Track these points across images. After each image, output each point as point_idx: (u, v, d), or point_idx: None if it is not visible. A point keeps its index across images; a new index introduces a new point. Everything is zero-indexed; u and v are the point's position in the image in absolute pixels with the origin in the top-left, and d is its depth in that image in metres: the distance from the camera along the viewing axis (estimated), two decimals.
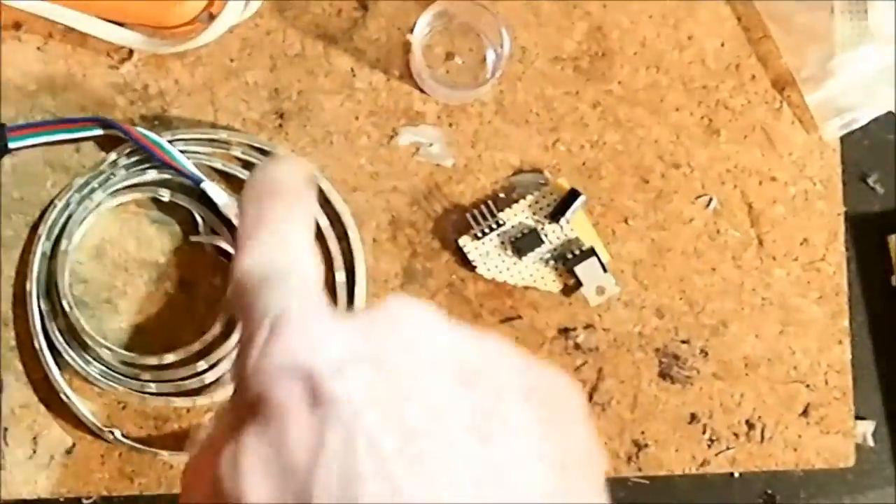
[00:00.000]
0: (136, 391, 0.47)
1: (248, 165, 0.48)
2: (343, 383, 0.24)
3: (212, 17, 0.47)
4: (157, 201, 0.49)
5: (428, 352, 0.25)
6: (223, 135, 0.49)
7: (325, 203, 0.48)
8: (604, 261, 0.48)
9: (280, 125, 0.49)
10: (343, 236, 0.48)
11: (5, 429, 0.47)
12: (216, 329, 0.48)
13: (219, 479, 0.24)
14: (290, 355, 0.25)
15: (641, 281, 0.50)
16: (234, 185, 0.48)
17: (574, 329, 0.49)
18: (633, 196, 0.50)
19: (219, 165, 0.49)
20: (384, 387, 0.24)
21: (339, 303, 0.48)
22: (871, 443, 0.50)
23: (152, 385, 0.47)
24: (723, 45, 0.51)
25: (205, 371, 0.48)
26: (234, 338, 0.47)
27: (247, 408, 0.25)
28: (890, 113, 0.50)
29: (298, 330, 0.25)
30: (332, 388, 0.24)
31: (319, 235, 0.48)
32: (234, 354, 0.47)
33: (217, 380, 0.48)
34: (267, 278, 0.27)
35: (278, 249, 0.28)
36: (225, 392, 0.47)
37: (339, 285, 0.48)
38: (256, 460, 0.23)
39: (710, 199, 0.50)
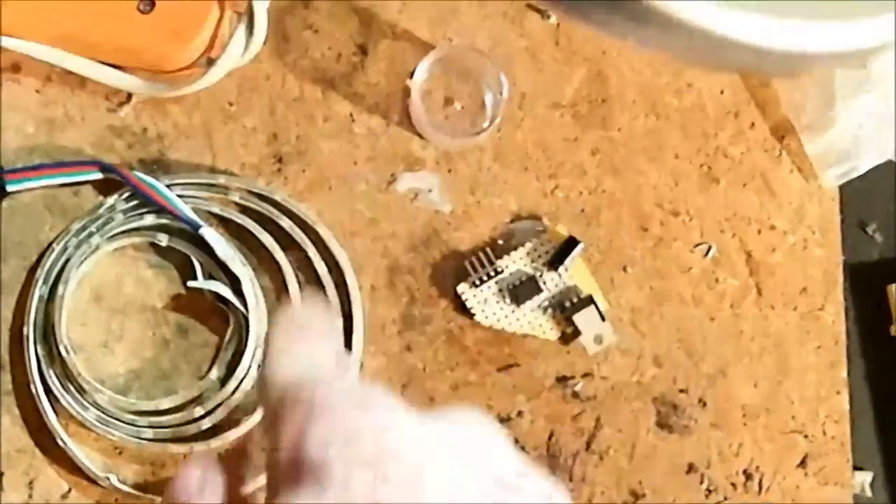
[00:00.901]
0: (133, 437, 0.51)
1: (246, 210, 0.52)
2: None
3: (210, 62, 0.51)
4: (154, 246, 0.52)
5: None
6: (221, 179, 0.53)
7: (322, 249, 0.52)
8: (602, 309, 0.52)
9: (279, 169, 0.53)
10: (341, 282, 0.52)
11: (1, 473, 0.51)
12: (213, 375, 0.52)
13: None
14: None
15: (639, 329, 0.53)
16: (232, 230, 0.52)
17: (572, 377, 0.53)
18: (631, 243, 0.53)
19: (217, 210, 0.52)
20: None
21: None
22: (868, 493, 0.54)
23: (149, 431, 0.51)
24: (722, 92, 0.55)
25: (201, 417, 0.51)
26: (231, 385, 0.51)
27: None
28: (889, 161, 0.55)
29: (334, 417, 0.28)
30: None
31: (317, 281, 0.52)
32: (231, 402, 0.50)
33: (214, 426, 0.51)
34: (301, 377, 0.31)
35: (310, 357, 0.32)
36: (222, 440, 0.51)
37: (337, 333, 0.51)
38: None
39: (709, 247, 0.54)
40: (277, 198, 0.52)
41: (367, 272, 0.53)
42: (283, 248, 0.52)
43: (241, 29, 0.51)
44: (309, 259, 0.52)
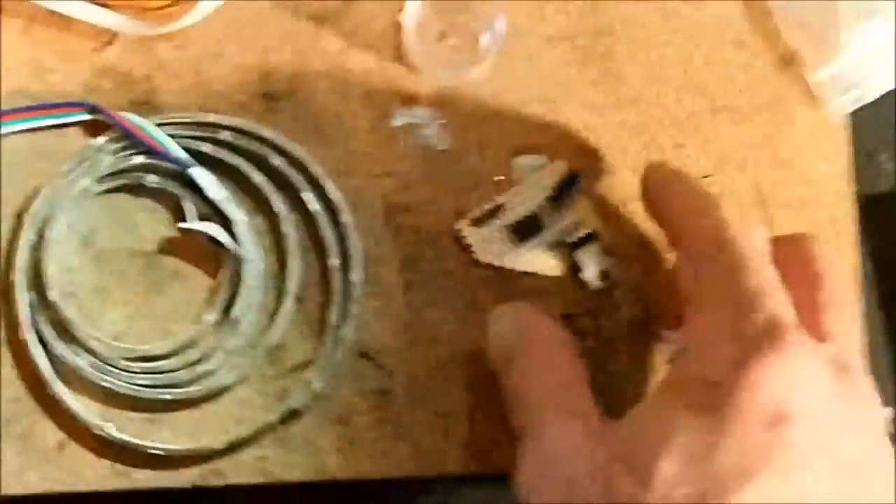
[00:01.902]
0: (128, 383, 0.54)
1: (236, 150, 0.55)
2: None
3: None
4: (145, 188, 0.56)
5: None
6: (211, 118, 0.56)
7: (317, 188, 0.55)
8: (604, 244, 0.55)
9: (269, 108, 0.56)
10: (336, 222, 0.55)
11: None
12: (209, 318, 0.55)
13: None
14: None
15: (644, 265, 0.56)
16: (223, 170, 0.55)
17: (577, 315, 0.56)
18: (637, 177, 0.55)
19: (207, 150, 0.56)
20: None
21: (334, 288, 0.55)
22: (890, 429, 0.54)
23: (144, 377, 0.54)
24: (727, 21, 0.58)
25: (197, 361, 0.55)
26: (227, 327, 0.54)
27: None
28: None
29: None
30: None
31: (311, 221, 0.55)
32: (227, 345, 0.54)
33: (210, 371, 0.54)
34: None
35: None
36: (217, 380, 0.54)
37: (333, 270, 0.55)
38: None
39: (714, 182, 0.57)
40: (268, 136, 0.55)
41: (364, 211, 0.55)
42: (276, 189, 0.55)
43: None
44: (302, 199, 0.55)
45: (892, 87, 0.57)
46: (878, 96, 0.57)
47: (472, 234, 0.54)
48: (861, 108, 0.57)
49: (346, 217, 0.55)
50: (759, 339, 0.39)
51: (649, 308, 0.56)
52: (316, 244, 0.55)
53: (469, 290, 0.55)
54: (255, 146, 0.55)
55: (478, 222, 0.54)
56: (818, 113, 0.58)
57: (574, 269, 0.54)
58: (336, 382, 0.54)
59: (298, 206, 0.55)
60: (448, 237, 0.55)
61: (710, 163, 0.57)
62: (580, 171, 0.54)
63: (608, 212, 0.56)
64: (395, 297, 0.55)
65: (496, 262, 0.54)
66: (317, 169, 0.55)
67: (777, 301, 0.40)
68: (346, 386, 0.55)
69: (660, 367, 0.55)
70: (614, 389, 0.55)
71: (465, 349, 0.54)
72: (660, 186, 0.47)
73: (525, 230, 0.54)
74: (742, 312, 0.40)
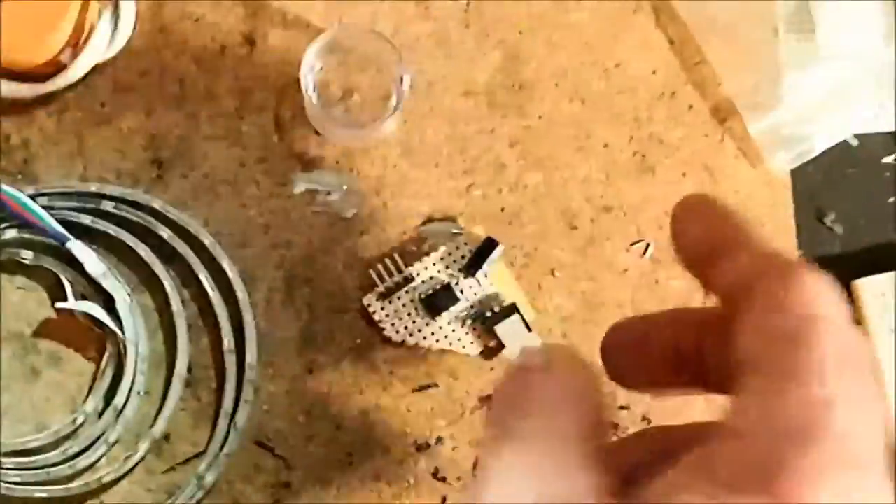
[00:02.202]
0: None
1: (122, 222, 0.53)
2: None
3: (74, 57, 0.52)
4: (21, 265, 0.53)
5: None
6: (92, 187, 0.53)
7: (209, 261, 0.53)
8: (528, 318, 0.52)
9: (159, 175, 0.54)
10: (230, 298, 0.53)
11: None
12: (89, 407, 0.52)
13: None
14: None
15: (571, 340, 0.54)
16: (107, 244, 0.53)
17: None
18: (559, 244, 0.54)
19: (88, 222, 0.53)
20: None
21: (228, 371, 0.52)
22: None
23: (17, 473, 0.51)
24: (654, 72, 0.56)
25: (76, 455, 0.52)
26: (108, 417, 0.51)
27: None
28: (845, 142, 0.55)
29: None
30: None
31: (203, 297, 0.53)
32: (109, 436, 0.51)
33: (91, 465, 0.52)
34: None
35: None
36: (99, 475, 0.51)
37: (227, 353, 0.53)
38: None
39: (647, 245, 0.55)
40: (156, 206, 0.53)
41: (261, 286, 0.53)
42: (165, 262, 0.53)
43: (107, 18, 0.52)
44: (194, 273, 0.53)
45: (839, 141, 0.54)
46: (823, 150, 0.54)
47: (380, 310, 0.53)
48: (806, 164, 0.55)
49: (241, 293, 0.53)
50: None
51: None
52: (208, 323, 0.53)
53: (378, 373, 0.53)
54: (140, 216, 0.53)
55: (386, 296, 0.53)
56: (759, 168, 0.55)
57: (495, 346, 0.53)
58: (230, 475, 0.52)
59: (189, 281, 0.53)
60: (354, 313, 0.54)
61: (641, 226, 0.55)
62: (497, 238, 0.52)
63: (531, 283, 0.54)
64: (296, 381, 0.53)
65: (408, 340, 0.53)
66: (209, 241, 0.53)
67: None
68: (241, 479, 0.53)
69: None
70: None
71: (374, 438, 0.52)
72: (700, 218, 0.37)
73: (438, 303, 0.53)
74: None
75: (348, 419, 0.53)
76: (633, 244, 0.55)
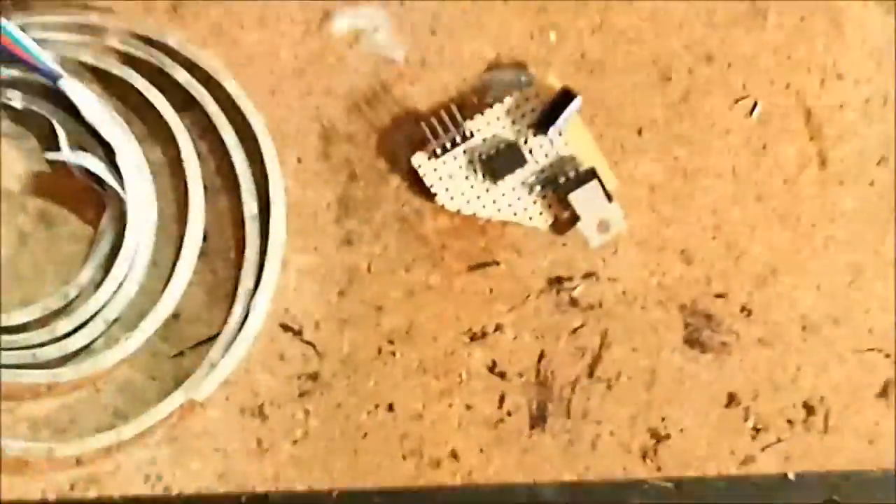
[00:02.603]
0: None
1: (129, 60, 0.48)
2: None
3: None
4: (9, 109, 0.48)
5: None
6: (94, 18, 0.48)
7: (232, 110, 0.48)
8: (609, 186, 0.47)
9: (174, 7, 0.49)
10: (256, 155, 0.48)
11: None
12: (84, 277, 0.47)
13: None
14: None
15: (660, 213, 0.49)
16: (111, 86, 0.48)
17: (569, 279, 0.49)
18: (649, 99, 0.49)
19: (89, 59, 0.48)
20: None
21: (249, 241, 0.48)
22: None
23: (1, 353, 0.47)
24: None
25: (69, 334, 0.47)
26: (107, 289, 0.46)
27: None
28: None
29: None
30: None
31: (223, 153, 0.48)
32: (107, 312, 0.46)
33: (86, 346, 0.47)
34: None
35: None
36: (95, 359, 0.46)
37: (250, 220, 0.48)
38: None
39: (755, 104, 0.49)
40: (171, 42, 0.48)
41: (293, 141, 0.49)
42: (179, 110, 0.48)
43: None
44: (213, 124, 0.48)
45: None
46: None
47: (432, 172, 0.48)
48: None
49: (268, 149, 0.48)
50: None
51: (667, 272, 0.49)
52: (228, 184, 0.48)
53: (427, 246, 0.49)
54: (152, 55, 0.48)
55: (440, 155, 0.48)
56: (890, 16, 0.49)
57: (568, 219, 0.48)
58: (249, 364, 0.48)
59: (207, 134, 0.48)
60: (401, 175, 0.49)
61: (748, 80, 0.50)
62: (574, 90, 0.47)
63: (614, 144, 0.49)
64: (330, 255, 0.48)
65: (464, 209, 0.48)
66: (232, 86, 0.48)
67: None
68: (263, 369, 0.48)
69: (676, 350, 0.49)
70: (614, 376, 0.49)
71: (421, 323, 0.48)
72: None
73: (502, 166, 0.48)
74: None
75: (390, 301, 0.48)
76: (737, 101, 0.49)
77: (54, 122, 0.47)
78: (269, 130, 0.48)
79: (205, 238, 0.48)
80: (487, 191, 0.48)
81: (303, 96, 0.49)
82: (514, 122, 0.48)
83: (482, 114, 0.48)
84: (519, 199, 0.48)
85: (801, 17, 0.49)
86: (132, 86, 0.47)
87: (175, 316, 0.48)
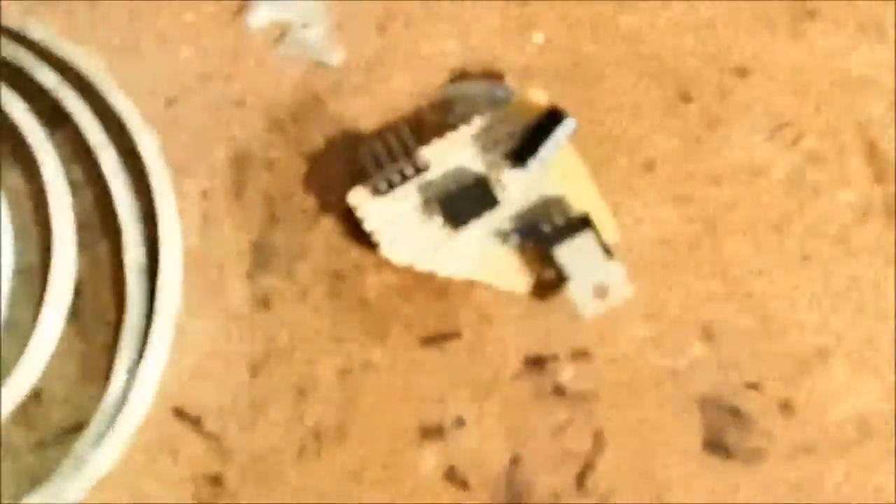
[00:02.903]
0: None
1: None
2: None
3: None
4: None
5: None
6: None
7: (115, 129, 0.44)
8: (608, 238, 0.43)
9: None
10: (146, 187, 0.44)
11: None
12: None
13: None
14: None
15: (675, 275, 0.44)
16: None
17: (554, 359, 0.44)
18: (663, 123, 0.45)
19: None
20: None
21: (134, 301, 0.43)
22: None
23: None
24: None
25: None
26: None
27: None
28: None
29: None
30: None
31: (103, 184, 0.43)
32: None
33: None
34: None
35: None
36: None
37: (135, 272, 0.43)
38: None
39: (800, 134, 0.45)
40: (36, 35, 0.44)
41: (196, 169, 0.44)
42: (46, 124, 0.44)
43: None
44: (89, 144, 0.43)
45: None
46: None
47: (375, 213, 0.43)
48: None
49: (163, 179, 0.44)
50: None
51: (682, 353, 0.44)
52: (109, 224, 0.44)
53: (368, 312, 0.44)
54: (12, 55, 0.44)
55: (386, 191, 0.43)
56: None
57: (553, 280, 0.44)
58: (130, 462, 0.43)
59: (81, 156, 0.44)
60: (336, 217, 0.44)
61: (792, 101, 0.45)
62: (566, 110, 0.43)
63: (616, 182, 0.45)
64: (241, 320, 0.44)
65: (417, 263, 0.43)
66: (116, 95, 0.44)
67: None
68: (148, 469, 0.43)
69: (692, 456, 0.43)
70: (610, 490, 0.43)
71: (358, 414, 0.43)
72: None
73: (467, 208, 0.43)
74: None
75: (318, 383, 0.43)
76: (777, 129, 0.45)
77: None
78: (163, 154, 0.44)
79: (76, 294, 0.43)
80: (448, 240, 0.43)
81: (209, 110, 0.45)
82: (484, 151, 0.43)
83: (442, 138, 0.43)
84: (489, 252, 0.43)
85: (857, 21, 0.46)
86: None
87: (35, 395, 0.43)
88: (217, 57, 0.44)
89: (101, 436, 0.42)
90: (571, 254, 0.42)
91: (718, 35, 0.45)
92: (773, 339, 0.44)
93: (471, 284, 0.43)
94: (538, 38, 0.44)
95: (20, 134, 0.43)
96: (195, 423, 0.43)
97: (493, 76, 0.44)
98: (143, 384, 0.42)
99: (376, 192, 0.42)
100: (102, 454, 0.41)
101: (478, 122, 0.43)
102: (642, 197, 0.44)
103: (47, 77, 0.42)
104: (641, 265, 0.43)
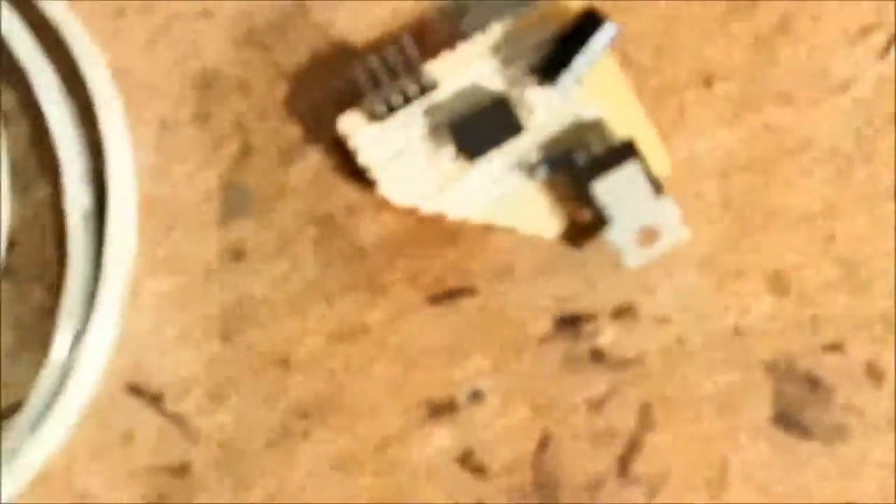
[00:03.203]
0: None
1: None
2: None
3: None
4: None
5: None
6: None
7: (53, 41, 0.39)
8: (658, 170, 0.38)
9: None
10: (91, 116, 0.39)
11: None
12: None
13: None
14: None
15: (741, 215, 0.39)
16: None
17: (591, 318, 0.39)
18: (724, 29, 0.40)
19: None
20: None
21: (79, 255, 0.38)
22: None
23: None
24: None
25: None
26: None
27: None
28: None
29: None
30: None
31: (38, 111, 0.38)
32: None
33: None
34: None
35: None
36: None
37: (79, 219, 0.38)
38: None
39: (892, 40, 0.40)
40: None
41: (152, 93, 0.40)
42: None
43: None
44: (21, 64, 0.39)
45: None
46: None
47: (372, 144, 0.39)
48: None
49: (112, 107, 0.39)
50: None
51: (749, 309, 0.39)
52: (47, 163, 0.40)
53: (364, 264, 0.40)
54: None
55: (385, 116, 0.38)
56: None
57: (590, 222, 0.40)
58: (75, 449, 0.40)
59: (13, 81, 0.40)
60: (323, 149, 0.40)
61: (883, 8, 0.40)
62: (603, 13, 0.38)
63: (667, 102, 0.40)
64: (210, 275, 0.40)
65: (422, 205, 0.39)
66: (52, 3, 0.39)
67: None
68: (97, 457, 0.39)
69: (761, 433, 0.39)
70: (660, 474, 0.39)
71: (353, 387, 0.39)
72: None
73: (484, 136, 0.38)
74: None
75: (303, 351, 0.39)
76: (864, 31, 0.40)
77: None
78: (113, 76, 0.39)
79: (9, 247, 0.39)
80: (461, 175, 0.39)
81: (168, 21, 0.40)
82: (504, 65, 0.39)
83: (452, 50, 0.39)
84: (511, 189, 0.39)
85: None
86: None
87: None
88: None
89: (39, 419, 0.38)
90: (612, 190, 0.37)
91: None
92: (858, 293, 0.39)
93: (488, 229, 0.39)
94: None
95: None
96: (154, 401, 0.39)
97: None
98: (91, 355, 0.38)
99: (373, 116, 0.37)
100: (41, 441, 0.38)
101: (496, 30, 0.38)
102: (699, 120, 0.39)
103: None
104: (698, 203, 0.39)
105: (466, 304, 0.38)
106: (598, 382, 0.38)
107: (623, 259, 0.37)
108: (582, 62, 0.36)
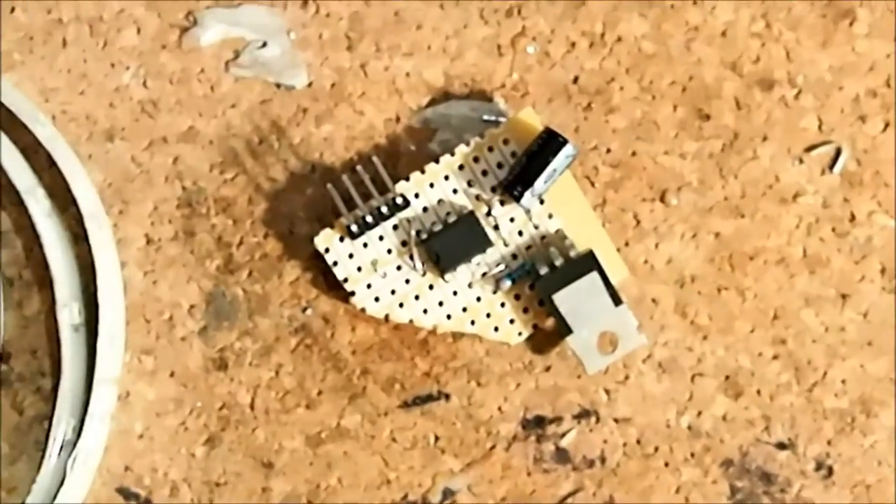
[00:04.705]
0: None
1: None
2: None
3: None
4: None
5: None
6: None
7: (43, 161, 0.43)
8: (616, 280, 0.42)
9: None
10: (80, 230, 0.43)
11: None
12: None
13: None
14: None
15: (695, 321, 0.43)
16: None
17: (556, 420, 0.43)
18: (677, 146, 0.44)
19: None
20: None
21: (70, 364, 0.41)
22: None
23: None
24: None
25: None
26: None
27: None
28: None
29: None
30: None
31: (32, 232, 0.42)
32: None
33: None
34: None
35: None
36: None
37: (70, 330, 0.42)
38: None
39: (838, 152, 0.45)
40: None
41: (139, 211, 0.44)
42: None
43: None
44: (11, 182, 0.43)
45: None
46: None
47: (347, 258, 0.43)
48: None
49: (100, 223, 0.42)
50: None
51: (704, 410, 0.43)
52: (39, 276, 0.44)
53: (340, 371, 0.43)
54: None
55: (359, 234, 0.42)
56: None
57: (553, 330, 0.43)
58: None
59: (4, 198, 0.43)
60: (301, 264, 0.44)
61: (827, 116, 0.44)
62: (564, 133, 0.42)
63: (623, 215, 0.44)
64: (195, 382, 0.43)
65: (395, 314, 0.43)
66: (44, 125, 0.43)
67: None
68: None
69: None
70: None
71: (330, 490, 0.42)
72: None
73: (453, 250, 0.42)
74: None
75: (284, 455, 0.42)
76: (810, 149, 0.44)
77: None
78: (99, 193, 0.44)
79: (4, 358, 0.43)
80: (431, 287, 0.43)
81: (154, 142, 0.44)
82: (471, 184, 0.43)
83: (422, 172, 0.43)
84: (479, 300, 0.43)
85: None
86: None
87: None
88: (162, 82, 0.44)
89: None
90: (574, 299, 0.42)
91: (741, 42, 0.44)
92: (808, 393, 0.43)
93: (458, 337, 0.43)
94: (532, 49, 0.44)
95: None
96: (143, 503, 0.42)
97: (480, 96, 0.45)
98: (83, 460, 0.41)
99: (348, 233, 0.42)
100: None
101: (463, 151, 0.42)
102: (653, 233, 0.43)
103: None
104: (655, 310, 0.43)
105: (439, 408, 0.42)
106: (563, 481, 0.42)
107: (585, 364, 0.41)
108: (543, 180, 0.41)
